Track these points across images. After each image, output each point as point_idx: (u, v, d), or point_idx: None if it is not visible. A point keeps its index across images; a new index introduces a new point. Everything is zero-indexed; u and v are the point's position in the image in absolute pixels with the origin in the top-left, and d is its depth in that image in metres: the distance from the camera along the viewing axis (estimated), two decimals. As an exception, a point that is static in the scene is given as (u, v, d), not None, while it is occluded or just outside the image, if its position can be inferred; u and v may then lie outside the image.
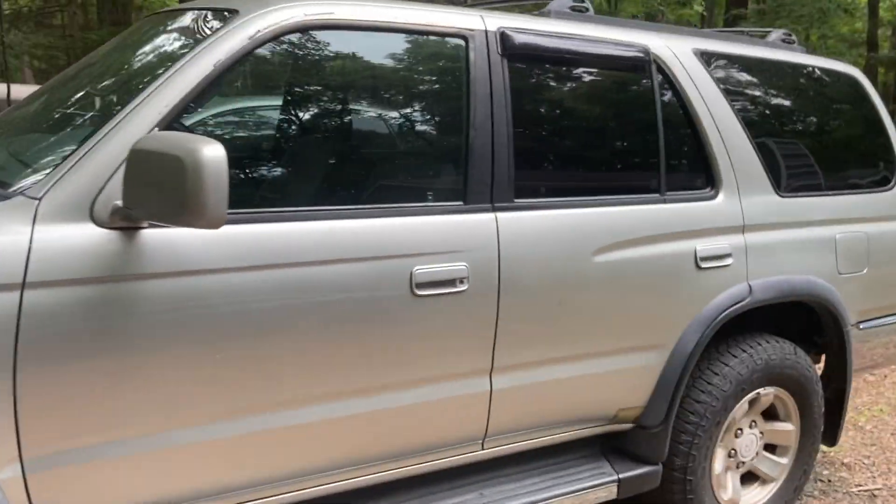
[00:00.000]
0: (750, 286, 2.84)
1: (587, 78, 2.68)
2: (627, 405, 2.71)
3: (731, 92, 2.96)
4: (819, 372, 3.34)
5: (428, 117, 2.44)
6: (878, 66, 24.53)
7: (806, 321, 3.22)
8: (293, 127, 2.22)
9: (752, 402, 3.00)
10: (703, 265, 2.72)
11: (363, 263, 2.08)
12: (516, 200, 2.37)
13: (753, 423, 3.07)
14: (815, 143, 3.24)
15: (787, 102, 3.19)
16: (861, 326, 3.32)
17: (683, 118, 2.80)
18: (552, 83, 2.62)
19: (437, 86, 2.44)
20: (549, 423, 2.54)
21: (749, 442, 3.06)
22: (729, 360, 2.88)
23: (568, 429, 2.63)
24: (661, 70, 2.75)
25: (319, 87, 2.29)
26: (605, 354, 2.57)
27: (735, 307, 2.79)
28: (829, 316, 3.14)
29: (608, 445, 2.85)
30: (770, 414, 3.14)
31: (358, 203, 2.15)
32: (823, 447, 3.76)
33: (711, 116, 2.83)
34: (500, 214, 2.32)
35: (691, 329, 2.73)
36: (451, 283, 2.19)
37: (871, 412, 4.60)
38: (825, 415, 3.32)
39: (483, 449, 2.44)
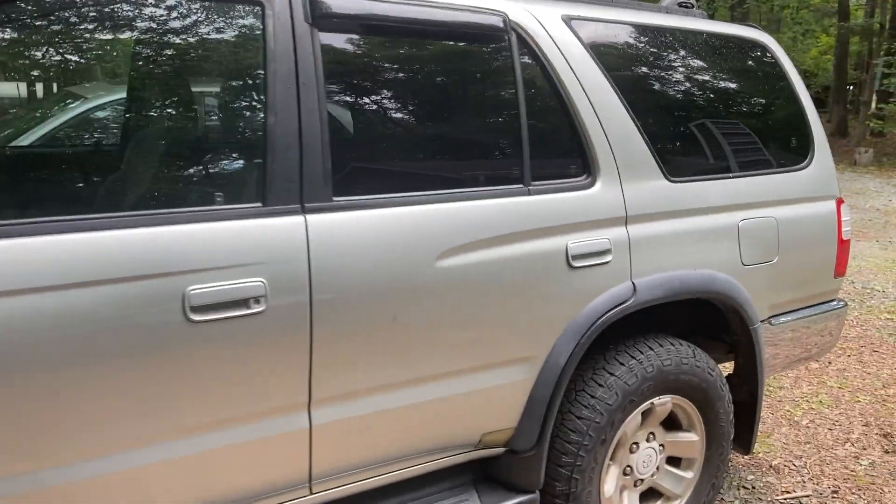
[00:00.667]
0: (634, 285, 2.50)
1: (428, 50, 2.31)
2: (493, 428, 2.36)
3: (612, 66, 2.60)
4: (734, 372, 3.02)
5: (216, 102, 2.07)
6: (849, 35, 24.34)
7: (715, 319, 2.89)
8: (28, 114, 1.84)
9: (646, 414, 2.66)
10: (576, 264, 2.37)
11: (123, 285, 1.70)
12: (336, 199, 2.00)
13: (651, 436, 2.74)
14: (716, 120, 2.89)
15: (681, 75, 2.83)
16: (774, 322, 2.99)
17: (551, 97, 2.44)
18: (381, 57, 2.24)
19: (227, 63, 2.05)
20: (393, 456, 2.19)
21: (647, 457, 2.73)
22: (615, 368, 2.54)
23: (422, 460, 2.28)
24: (522, 40, 2.39)
25: (68, 65, 1.91)
26: (459, 374, 2.22)
27: (616, 310, 2.45)
28: (733, 313, 2.80)
29: (483, 473, 2.51)
30: (672, 424, 2.81)
31: (120, 210, 1.77)
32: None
33: (586, 94, 2.47)
34: (313, 217, 1.95)
35: (565, 338, 2.38)
36: (241, 303, 1.83)
37: (809, 404, 4.29)
38: (738, 420, 3.01)
39: (312, 493, 2.08)
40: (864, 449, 3.76)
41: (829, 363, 4.93)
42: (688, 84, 2.83)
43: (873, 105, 21.77)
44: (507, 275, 2.24)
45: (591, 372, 2.55)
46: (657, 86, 2.76)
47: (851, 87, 28.86)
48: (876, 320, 5.85)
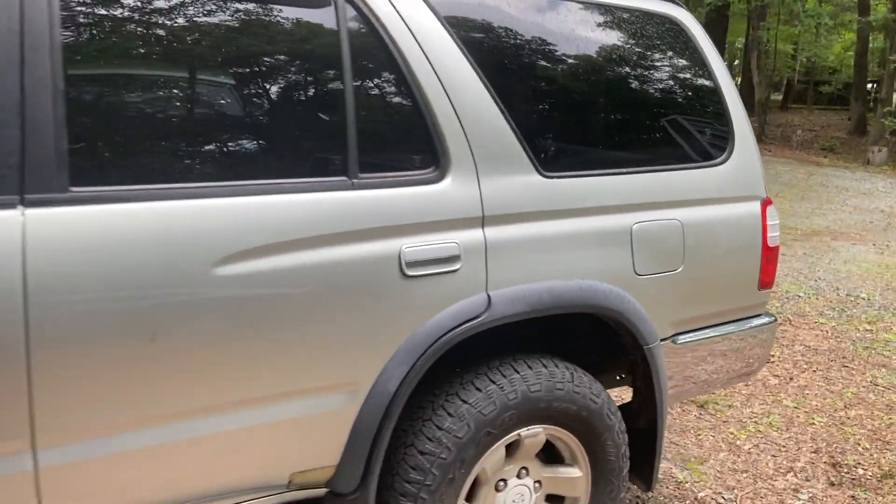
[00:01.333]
0: (489, 298, 2.12)
1: (218, 9, 1.93)
2: (305, 467, 2.00)
3: (475, 40, 2.22)
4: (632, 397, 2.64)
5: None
6: (869, 30, 23.60)
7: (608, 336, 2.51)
8: None
9: (513, 447, 2.28)
10: (412, 272, 2.00)
11: None
12: (74, 190, 1.64)
13: (524, 471, 2.37)
14: (608, 107, 2.50)
15: (567, 53, 2.43)
16: (678, 340, 2.59)
17: (389, 73, 2.08)
18: (151, 14, 1.84)
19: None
20: (165, 502, 1.83)
21: (518, 495, 2.36)
22: (470, 395, 2.17)
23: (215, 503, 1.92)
24: (353, 4, 2.01)
25: None
26: (247, 404, 1.86)
27: (464, 327, 2.08)
28: (623, 330, 2.41)
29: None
30: (553, 456, 2.43)
31: None
32: (678, 475, 3.07)
33: (435, 72, 2.09)
34: (36, 212, 1.59)
35: (396, 361, 2.01)
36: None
37: (757, 426, 3.88)
38: (638, 451, 2.62)
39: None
40: (808, 480, 3.36)
41: (791, 379, 4.52)
42: (575, 64, 2.44)
43: (894, 103, 21.07)
44: (315, 286, 1.88)
45: (443, 398, 2.18)
46: (534, 65, 2.37)
47: (874, 85, 28.10)
48: (853, 332, 5.41)
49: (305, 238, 1.86)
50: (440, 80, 2.09)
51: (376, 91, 2.09)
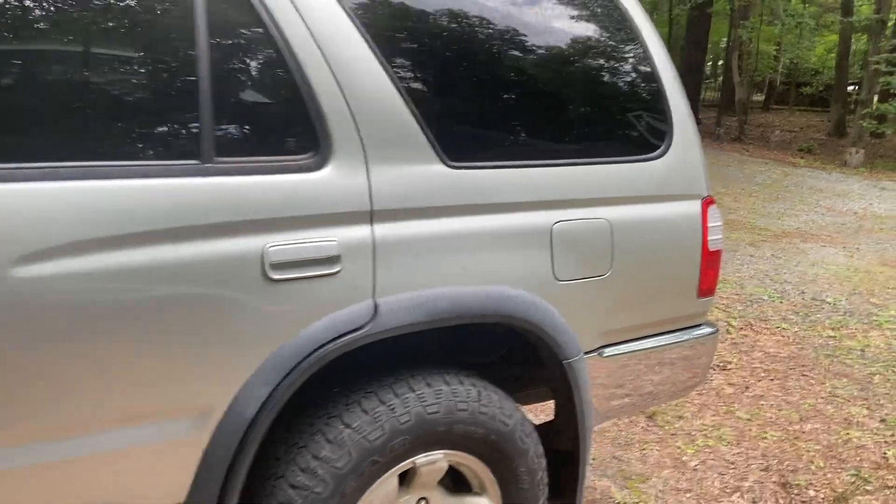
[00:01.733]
0: (376, 305, 1.83)
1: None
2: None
3: (370, 10, 1.92)
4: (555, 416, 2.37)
5: None
6: (851, 31, 23.47)
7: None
8: None
9: (407, 476, 2.00)
10: (278, 275, 1.71)
11: None
12: None
13: (424, 502, 2.08)
14: (529, 90, 2.21)
15: (482, 30, 2.15)
16: (606, 353, 2.32)
17: (257, 38, 1.78)
18: None
19: None
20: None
21: (416, 528, 2.07)
22: (353, 418, 1.89)
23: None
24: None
25: None
26: (65, 433, 1.56)
27: (343, 340, 1.80)
28: (539, 342, 2.13)
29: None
30: (461, 483, 2.16)
31: None
32: (616, 495, 2.81)
33: (315, 41, 1.81)
34: None
35: (257, 380, 1.73)
36: None
37: (706, 440, 3.62)
38: (561, 474, 2.35)
39: None
40: (754, 502, 3.10)
41: (747, 388, 4.27)
42: (489, 42, 2.15)
43: (874, 104, 20.96)
44: (150, 290, 1.58)
45: (323, 422, 1.90)
46: (441, 42, 2.08)
47: (856, 87, 28.04)
48: (816, 338, 5.18)
49: (138, 233, 1.57)
50: (322, 51, 1.80)
51: (240, 59, 1.80)
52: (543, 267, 2.12)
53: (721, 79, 30.09)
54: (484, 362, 2.44)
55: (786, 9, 16.11)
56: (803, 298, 6.09)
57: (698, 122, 21.30)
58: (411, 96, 1.93)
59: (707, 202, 2.48)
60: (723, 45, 31.99)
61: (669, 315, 2.47)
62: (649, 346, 2.42)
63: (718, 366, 4.54)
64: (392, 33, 1.96)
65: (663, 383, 2.50)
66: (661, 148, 2.38)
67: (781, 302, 5.93)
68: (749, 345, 4.95)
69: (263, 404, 1.73)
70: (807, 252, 7.74)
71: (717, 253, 2.51)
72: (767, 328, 5.29)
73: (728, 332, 5.14)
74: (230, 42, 1.77)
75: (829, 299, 6.09)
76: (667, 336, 2.48)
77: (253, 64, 1.82)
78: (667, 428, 3.73)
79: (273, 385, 1.73)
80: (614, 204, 2.27)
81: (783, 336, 5.16)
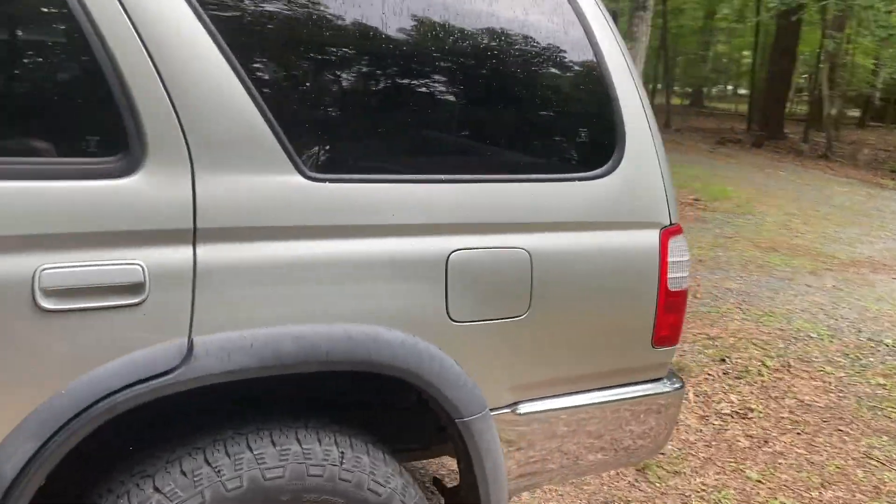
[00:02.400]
0: (191, 345, 1.48)
1: None
2: None
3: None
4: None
5: None
6: None
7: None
8: None
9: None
10: (53, 305, 1.39)
11: None
12: None
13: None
14: (427, 86, 1.83)
15: (364, 8, 1.77)
16: (522, 410, 1.91)
17: (51, 12, 1.45)
18: None
19: None
20: None
21: None
22: (167, 481, 1.55)
23: None
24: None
25: None
26: None
27: (139, 389, 1.46)
28: (429, 396, 1.75)
29: None
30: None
31: None
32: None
33: (128, 17, 1.46)
34: None
35: (21, 433, 1.42)
36: None
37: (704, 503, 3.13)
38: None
39: None
40: (740, 587, 2.61)
41: (766, 442, 3.74)
42: (368, 21, 1.77)
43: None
44: None
45: (136, 481, 1.56)
46: (306, 26, 1.71)
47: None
48: (863, 386, 4.57)
49: None
50: (135, 27, 1.46)
51: (24, 30, 1.47)
52: (434, 305, 1.73)
53: (816, 92, 28.48)
54: (398, 407, 2.07)
55: (876, 19, 14.98)
56: (858, 338, 5.44)
57: (782, 136, 20.18)
58: (261, 90, 1.58)
59: (669, 232, 2.03)
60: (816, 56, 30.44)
61: (612, 367, 2.04)
62: (582, 403, 2.00)
63: (738, 412, 4.01)
64: (239, 12, 1.61)
65: (603, 449, 2.07)
66: (607, 165, 1.95)
67: (831, 341, 5.30)
68: (781, 390, 4.38)
69: (28, 462, 1.40)
70: (874, 284, 7.01)
71: (681, 294, 2.06)
72: (807, 371, 4.70)
73: (759, 373, 4.58)
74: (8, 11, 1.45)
75: (888, 340, 5.42)
76: (608, 392, 2.05)
77: (41, 37, 1.50)
78: (658, 485, 3.26)
79: (42, 439, 1.40)
80: (536, 230, 1.86)
81: (824, 381, 4.57)
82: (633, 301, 2.00)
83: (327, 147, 1.67)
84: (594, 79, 1.95)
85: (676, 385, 2.17)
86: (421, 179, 1.73)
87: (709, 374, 4.50)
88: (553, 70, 1.96)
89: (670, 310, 2.05)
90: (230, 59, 1.55)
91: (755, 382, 4.43)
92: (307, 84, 1.69)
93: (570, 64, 1.96)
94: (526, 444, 1.95)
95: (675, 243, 2.04)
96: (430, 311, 1.73)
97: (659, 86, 27.92)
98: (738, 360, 4.73)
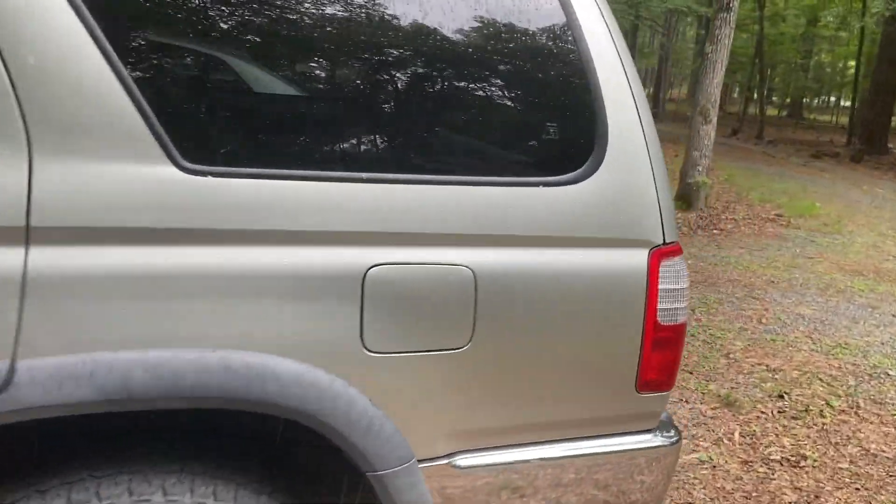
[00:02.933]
0: (13, 371, 1.21)
1: None
2: None
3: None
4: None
5: None
6: None
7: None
8: None
9: None
10: None
11: None
12: None
13: None
14: (334, 62, 1.51)
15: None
16: (462, 463, 1.57)
17: None
18: None
19: None
20: None
21: None
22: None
23: None
24: None
25: None
26: None
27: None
28: (335, 444, 1.43)
29: None
30: None
31: None
32: None
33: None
34: None
35: None
36: None
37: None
38: None
39: None
40: None
41: (816, 497, 3.25)
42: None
43: None
44: None
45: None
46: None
47: None
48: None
49: None
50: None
51: None
52: (345, 331, 1.41)
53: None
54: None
55: None
56: (946, 378, 4.80)
57: (885, 151, 18.90)
58: (126, 61, 1.28)
59: (662, 253, 1.65)
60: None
61: (583, 415, 1.67)
62: (542, 456, 1.63)
63: (788, 459, 3.52)
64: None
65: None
66: (581, 168, 1.59)
67: (913, 380, 4.70)
68: (845, 435, 3.85)
69: None
70: (976, 317, 6.27)
71: (674, 329, 1.67)
72: (878, 415, 4.14)
73: (822, 413, 4.06)
74: None
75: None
76: (579, 445, 1.67)
77: None
78: (680, 540, 2.83)
79: None
80: (484, 245, 1.51)
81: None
82: (610, 336, 1.63)
83: (212, 133, 1.37)
84: (568, 60, 1.59)
85: (670, 438, 1.78)
86: (335, 177, 1.41)
87: (762, 412, 4.00)
88: (513, 44, 1.60)
89: (660, 347, 1.66)
90: (91, 28, 1.26)
91: (815, 424, 3.91)
92: (189, 57, 1.39)
93: (537, 37, 1.60)
94: (470, 503, 1.60)
95: (669, 267, 1.65)
96: (340, 339, 1.41)
97: (754, 95, 26.74)
98: (799, 398, 4.21)
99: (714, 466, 3.38)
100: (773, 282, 6.71)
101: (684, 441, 3.54)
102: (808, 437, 3.77)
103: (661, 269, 1.64)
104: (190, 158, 1.32)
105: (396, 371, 1.46)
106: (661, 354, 1.67)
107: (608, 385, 1.66)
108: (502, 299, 1.52)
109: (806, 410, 4.05)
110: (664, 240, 1.66)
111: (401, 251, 1.45)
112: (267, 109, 1.44)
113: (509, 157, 1.58)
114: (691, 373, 4.46)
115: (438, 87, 1.54)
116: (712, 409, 4.00)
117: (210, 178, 1.33)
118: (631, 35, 20.58)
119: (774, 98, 31.77)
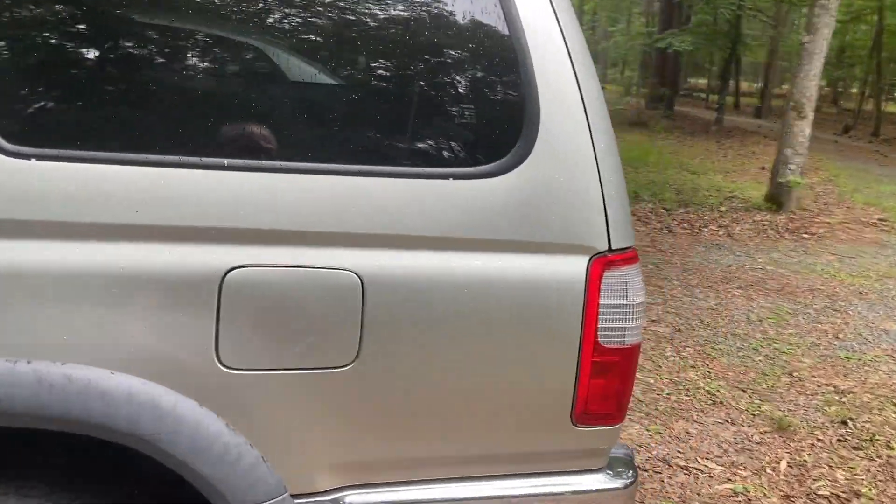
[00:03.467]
0: None
1: None
2: None
3: None
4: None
5: None
6: None
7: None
8: None
9: None
10: None
11: None
12: None
13: None
14: (211, 35, 1.30)
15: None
16: (350, 500, 1.35)
17: None
18: None
19: None
20: None
21: None
22: None
23: None
24: None
25: None
26: None
27: None
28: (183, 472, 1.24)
29: None
30: None
31: None
32: None
33: None
34: None
35: None
36: None
37: None
38: None
39: None
40: None
41: (869, 541, 2.83)
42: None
43: None
44: None
45: None
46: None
47: None
48: None
49: None
50: None
51: None
52: (196, 343, 1.21)
53: None
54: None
55: None
56: None
57: None
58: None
59: (605, 262, 1.37)
60: None
61: (506, 449, 1.41)
62: (451, 497, 1.38)
63: (839, 496, 3.11)
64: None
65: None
66: (503, 158, 1.33)
67: None
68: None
69: None
70: None
71: (622, 352, 1.40)
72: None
73: (888, 445, 3.59)
74: None
75: None
76: (499, 483, 1.42)
77: None
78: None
79: None
80: (374, 246, 1.28)
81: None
82: (536, 357, 1.36)
83: (40, 109, 1.19)
84: (493, 31, 1.33)
85: (623, 481, 1.49)
86: (188, 163, 1.20)
87: (818, 440, 3.58)
88: (435, 19, 1.35)
89: (602, 373, 1.39)
90: None
91: (878, 457, 3.46)
92: (16, 23, 1.22)
93: (463, 17, 1.35)
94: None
95: (615, 278, 1.37)
96: (189, 353, 1.21)
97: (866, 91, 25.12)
98: (866, 425, 3.75)
99: (749, 500, 3.01)
100: (860, 293, 6.13)
101: (718, 469, 3.18)
102: (868, 470, 3.33)
103: (603, 280, 1.36)
104: (13, 140, 1.15)
105: (262, 392, 1.25)
106: (604, 381, 1.39)
107: (536, 416, 1.39)
108: (398, 311, 1.28)
109: (871, 440, 3.59)
110: (609, 246, 1.38)
111: (269, 251, 1.24)
112: (115, 86, 1.25)
113: (412, 144, 1.33)
114: (744, 391, 4.05)
115: (321, 54, 1.32)
116: (761, 433, 3.60)
117: (35, 162, 1.15)
118: (734, 26, 19.53)
119: (896, 95, 29.73)
